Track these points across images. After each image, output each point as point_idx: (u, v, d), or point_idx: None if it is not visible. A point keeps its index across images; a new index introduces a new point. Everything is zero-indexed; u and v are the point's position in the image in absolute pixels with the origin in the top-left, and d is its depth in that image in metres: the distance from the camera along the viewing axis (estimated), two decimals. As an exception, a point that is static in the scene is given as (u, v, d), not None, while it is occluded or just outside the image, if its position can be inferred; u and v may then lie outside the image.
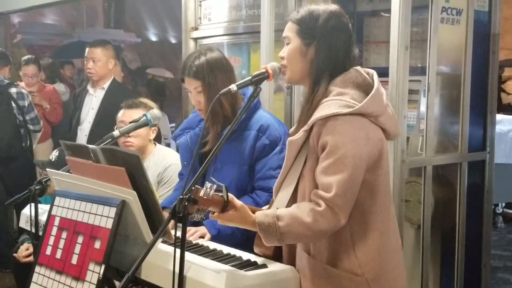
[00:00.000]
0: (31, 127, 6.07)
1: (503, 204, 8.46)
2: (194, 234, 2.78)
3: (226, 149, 2.82)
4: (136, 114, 3.49)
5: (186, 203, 2.09)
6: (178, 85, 11.37)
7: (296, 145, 2.30)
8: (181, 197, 2.10)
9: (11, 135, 5.87)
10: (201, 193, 2.12)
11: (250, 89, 2.90)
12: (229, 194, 2.22)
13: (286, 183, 2.36)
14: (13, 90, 5.95)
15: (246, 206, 2.29)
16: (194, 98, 2.98)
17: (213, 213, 2.26)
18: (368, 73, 2.33)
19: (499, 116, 6.10)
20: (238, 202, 2.26)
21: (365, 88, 2.27)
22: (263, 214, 2.24)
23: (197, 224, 2.87)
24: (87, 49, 5.27)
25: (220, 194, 2.19)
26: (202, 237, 2.79)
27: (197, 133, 3.10)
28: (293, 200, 2.31)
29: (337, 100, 2.21)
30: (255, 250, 2.49)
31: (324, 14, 2.32)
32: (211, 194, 2.14)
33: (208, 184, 2.15)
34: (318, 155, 2.21)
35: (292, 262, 2.43)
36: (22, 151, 5.99)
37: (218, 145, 2.30)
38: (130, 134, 3.63)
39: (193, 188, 2.12)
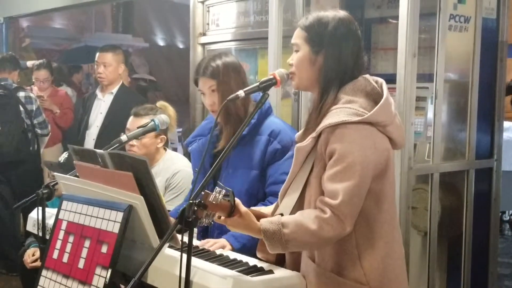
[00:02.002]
0: (39, 131, 6.07)
1: (510, 212, 8.43)
2: (214, 245, 2.74)
3: (237, 154, 2.84)
4: (142, 122, 3.48)
5: (196, 208, 2.09)
6: (175, 90, 11.36)
7: (304, 152, 2.30)
8: (191, 201, 2.10)
9: (19, 139, 5.88)
10: (210, 198, 2.12)
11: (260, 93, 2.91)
12: (235, 199, 2.22)
13: (291, 189, 2.36)
14: (21, 94, 5.97)
15: (251, 212, 2.28)
16: (208, 99, 3.00)
17: (219, 217, 2.25)
18: (376, 82, 2.33)
19: (506, 123, 6.08)
20: (243, 208, 2.25)
21: (374, 97, 2.27)
22: (268, 221, 2.23)
23: (207, 231, 2.88)
24: (97, 54, 5.28)
25: (228, 199, 2.19)
26: (222, 248, 2.75)
27: (208, 140, 3.07)
28: (298, 206, 2.31)
29: (346, 108, 2.21)
30: (258, 255, 2.49)
31: (333, 21, 2.32)
32: (219, 199, 2.14)
33: (217, 189, 2.15)
34: (325, 162, 2.21)
35: (295, 267, 2.43)
36: (29, 155, 5.99)
37: (225, 150, 2.30)
38: (134, 143, 3.62)
39: (202, 193, 2.13)
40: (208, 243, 2.75)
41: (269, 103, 3.00)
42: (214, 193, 2.14)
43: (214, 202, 2.13)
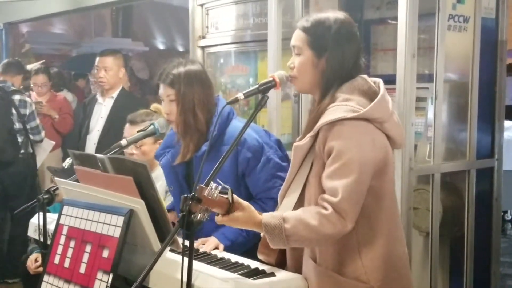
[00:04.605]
0: (31, 136, 6.02)
1: (512, 211, 8.44)
2: (207, 245, 2.73)
3: (207, 170, 2.51)
4: (138, 129, 3.44)
5: (190, 202, 2.08)
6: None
7: (302, 151, 2.30)
8: (185, 195, 2.09)
9: (4, 140, 5.82)
10: (205, 193, 2.11)
11: (223, 102, 2.88)
12: (234, 196, 2.21)
13: (291, 189, 2.36)
14: (16, 97, 5.91)
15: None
16: (166, 107, 2.92)
17: (217, 214, 2.23)
18: (374, 82, 2.34)
19: (507, 123, 6.08)
20: (244, 202, 2.24)
21: (371, 95, 2.28)
22: (270, 215, 2.23)
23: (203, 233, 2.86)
24: (97, 58, 5.29)
25: (226, 196, 2.18)
26: (216, 248, 2.74)
27: (178, 151, 2.99)
28: (298, 206, 2.31)
29: (343, 106, 2.22)
30: (259, 256, 2.49)
31: (335, 24, 2.31)
32: (215, 195, 2.13)
33: (213, 185, 2.13)
34: (324, 161, 2.22)
35: (295, 269, 2.43)
36: (17, 157, 5.91)
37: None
38: (134, 152, 3.58)
39: (197, 187, 2.12)
40: (205, 244, 2.74)
41: (229, 108, 2.91)
42: (209, 188, 2.12)
43: (209, 197, 2.11)
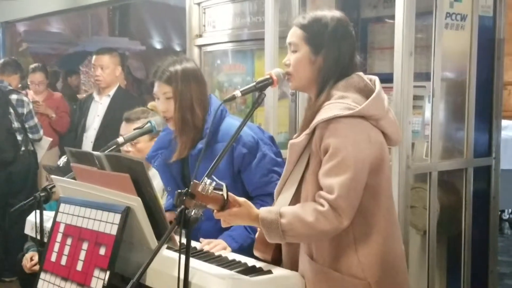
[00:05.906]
0: (30, 135, 6.03)
1: (510, 210, 8.43)
2: (215, 247, 2.70)
3: (202, 168, 2.45)
4: (134, 127, 3.43)
5: (184, 198, 2.08)
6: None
7: (298, 148, 2.30)
8: (179, 191, 2.09)
9: (3, 139, 5.83)
10: (199, 188, 2.10)
11: (216, 100, 2.89)
12: (229, 193, 2.20)
13: (287, 186, 2.36)
14: (13, 96, 5.92)
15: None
16: (162, 105, 2.90)
17: (213, 211, 2.24)
18: (370, 80, 2.35)
19: (505, 122, 6.08)
20: (240, 199, 2.25)
21: (366, 93, 2.28)
22: (266, 210, 2.24)
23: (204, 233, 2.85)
24: (94, 57, 5.30)
25: (220, 192, 2.17)
26: (223, 250, 2.71)
27: (171, 152, 2.99)
28: (294, 203, 2.31)
29: (339, 103, 2.22)
30: (255, 253, 2.50)
31: (332, 22, 2.32)
32: (209, 191, 2.12)
33: (207, 181, 2.13)
34: (321, 158, 2.22)
35: (291, 266, 2.43)
36: (18, 156, 5.93)
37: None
38: (130, 149, 3.57)
39: (191, 182, 2.11)
40: (211, 244, 2.73)
41: (222, 107, 2.90)
42: (203, 183, 2.11)
43: (203, 193, 2.11)
